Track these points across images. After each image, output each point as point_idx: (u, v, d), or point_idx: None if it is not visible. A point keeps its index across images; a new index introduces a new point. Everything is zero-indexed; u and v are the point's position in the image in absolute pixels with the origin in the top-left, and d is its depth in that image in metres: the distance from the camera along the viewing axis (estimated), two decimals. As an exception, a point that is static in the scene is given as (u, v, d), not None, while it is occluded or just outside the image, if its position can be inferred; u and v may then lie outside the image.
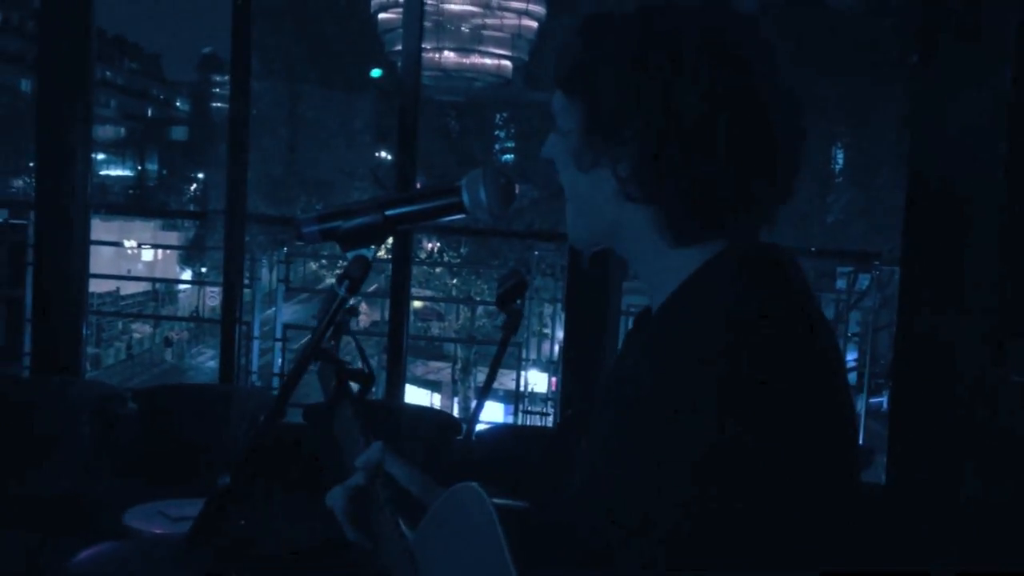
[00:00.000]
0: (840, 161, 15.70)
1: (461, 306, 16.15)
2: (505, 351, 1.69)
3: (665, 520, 0.81)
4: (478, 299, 15.03)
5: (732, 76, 0.92)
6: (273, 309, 8.59)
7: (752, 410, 0.82)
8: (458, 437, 3.73)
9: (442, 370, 16.23)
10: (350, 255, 1.10)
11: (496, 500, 0.84)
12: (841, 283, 12.27)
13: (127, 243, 16.53)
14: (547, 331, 14.72)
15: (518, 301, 1.75)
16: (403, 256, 4.40)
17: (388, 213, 1.09)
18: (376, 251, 1.12)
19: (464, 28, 10.45)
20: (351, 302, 1.36)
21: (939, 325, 3.32)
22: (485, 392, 1.71)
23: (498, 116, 15.94)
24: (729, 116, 0.91)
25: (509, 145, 16.20)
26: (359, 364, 1.27)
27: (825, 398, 0.88)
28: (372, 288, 16.71)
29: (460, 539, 0.88)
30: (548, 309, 14.28)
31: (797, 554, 0.84)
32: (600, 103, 0.95)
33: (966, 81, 3.21)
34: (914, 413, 3.48)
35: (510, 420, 9.63)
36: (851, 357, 9.56)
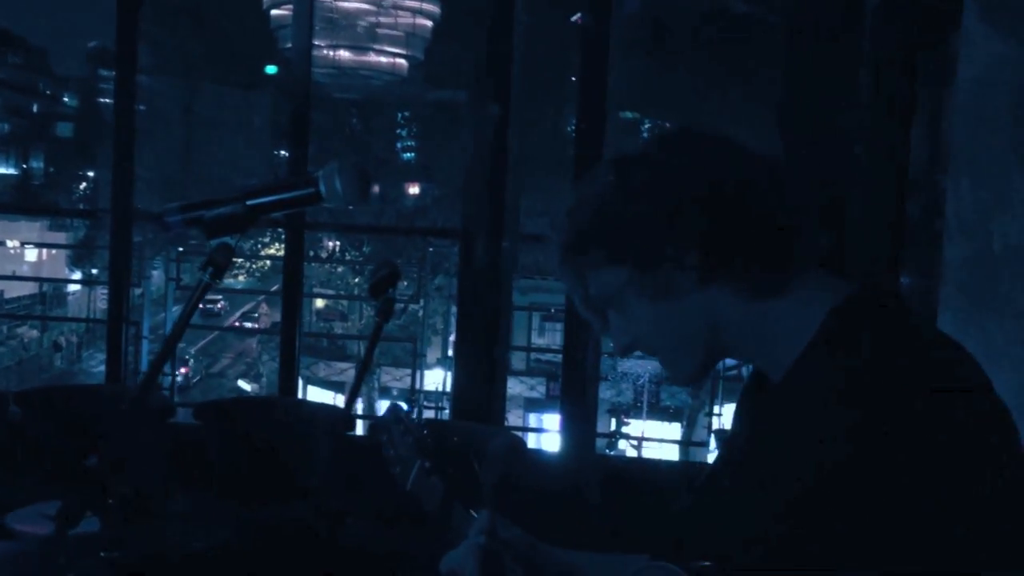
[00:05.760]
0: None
1: (364, 305, 16.06)
2: (378, 338, 1.76)
3: None
4: (380, 297, 14.90)
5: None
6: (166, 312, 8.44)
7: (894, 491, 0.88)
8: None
9: (346, 371, 16.11)
10: (214, 243, 1.15)
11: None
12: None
13: (9, 243, 15.86)
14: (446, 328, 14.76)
15: (390, 290, 1.82)
16: (296, 253, 4.41)
17: (249, 203, 1.15)
18: (239, 239, 1.17)
19: (358, 26, 10.42)
20: None
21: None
22: (360, 377, 1.78)
23: (400, 115, 15.90)
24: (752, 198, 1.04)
25: (411, 144, 16.18)
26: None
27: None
28: (275, 288, 16.46)
29: None
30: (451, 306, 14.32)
31: None
32: (650, 245, 1.02)
33: (827, 85, 3.40)
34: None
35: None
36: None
